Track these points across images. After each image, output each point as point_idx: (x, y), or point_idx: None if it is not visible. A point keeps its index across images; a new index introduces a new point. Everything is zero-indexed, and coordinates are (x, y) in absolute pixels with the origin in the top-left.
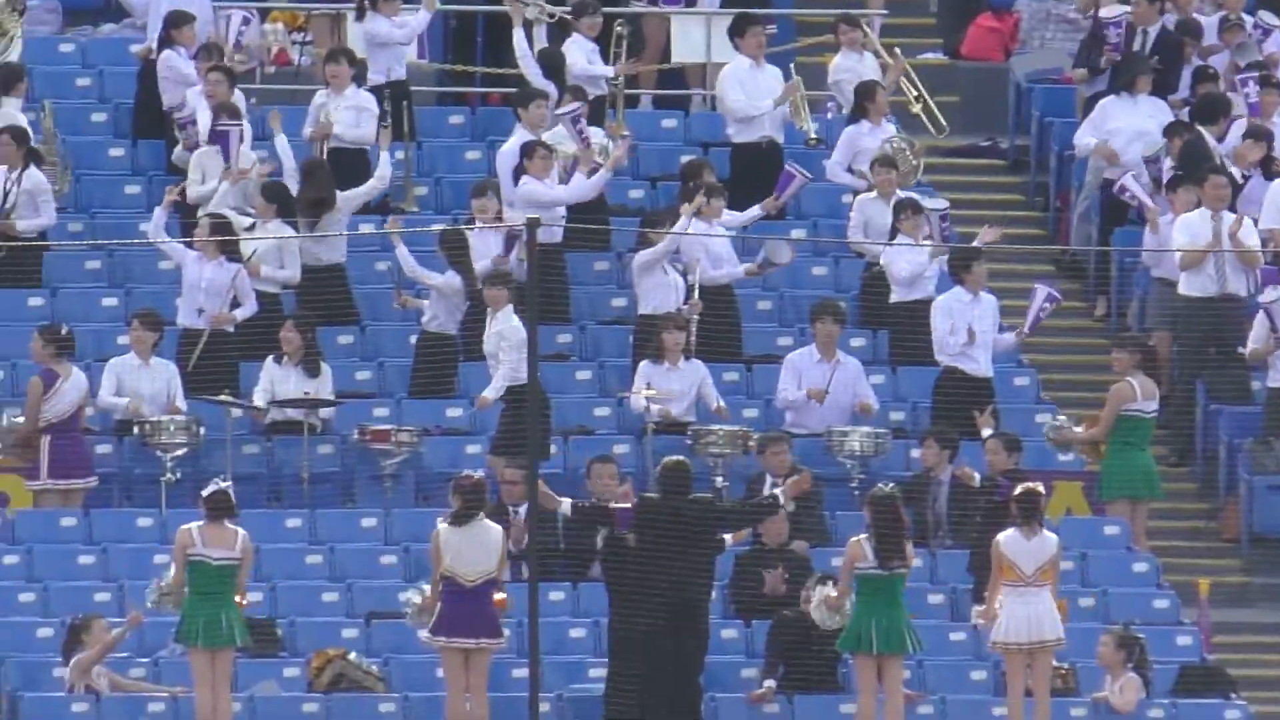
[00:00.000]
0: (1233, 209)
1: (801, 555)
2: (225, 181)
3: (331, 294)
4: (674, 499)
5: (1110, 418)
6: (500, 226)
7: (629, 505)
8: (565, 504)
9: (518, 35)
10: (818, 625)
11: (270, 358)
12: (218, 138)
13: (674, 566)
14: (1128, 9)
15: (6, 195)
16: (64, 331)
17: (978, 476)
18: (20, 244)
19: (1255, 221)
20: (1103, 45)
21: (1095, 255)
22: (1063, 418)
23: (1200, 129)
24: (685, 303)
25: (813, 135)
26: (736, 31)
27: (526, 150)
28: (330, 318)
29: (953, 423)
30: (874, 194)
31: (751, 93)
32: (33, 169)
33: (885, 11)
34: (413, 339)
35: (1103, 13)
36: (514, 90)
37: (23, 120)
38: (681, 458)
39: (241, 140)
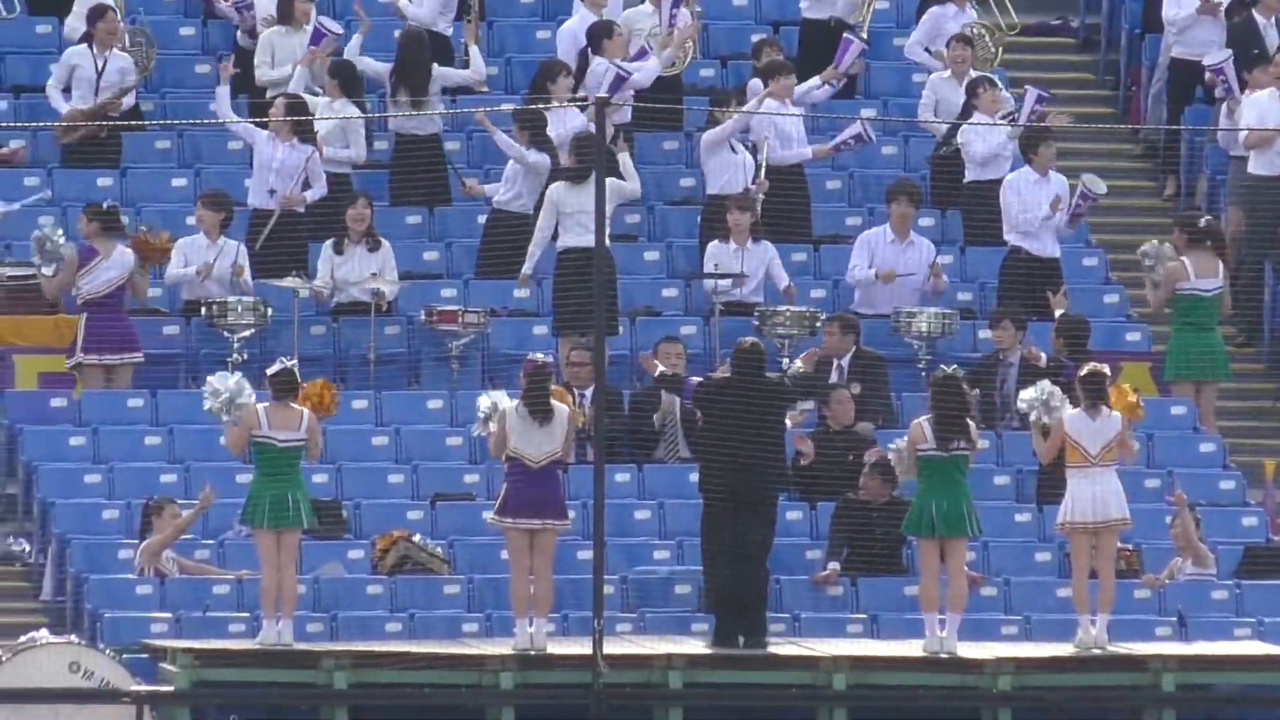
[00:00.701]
0: None
1: (867, 436)
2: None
3: (429, 165)
4: (747, 380)
5: (1165, 295)
6: (570, 104)
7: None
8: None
9: None
10: (883, 505)
11: (329, 244)
12: (316, 34)
13: (746, 448)
14: None
15: (101, 75)
16: (107, 207)
17: (1044, 356)
18: (93, 124)
19: None
20: None
21: (1164, 134)
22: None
23: (1253, 10)
24: (753, 182)
25: (864, 34)
26: None
27: (602, 30)
28: (427, 191)
29: (1020, 303)
30: (948, 73)
31: None
32: (117, 51)
33: None
34: (481, 218)
35: None
36: None
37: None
38: (755, 340)
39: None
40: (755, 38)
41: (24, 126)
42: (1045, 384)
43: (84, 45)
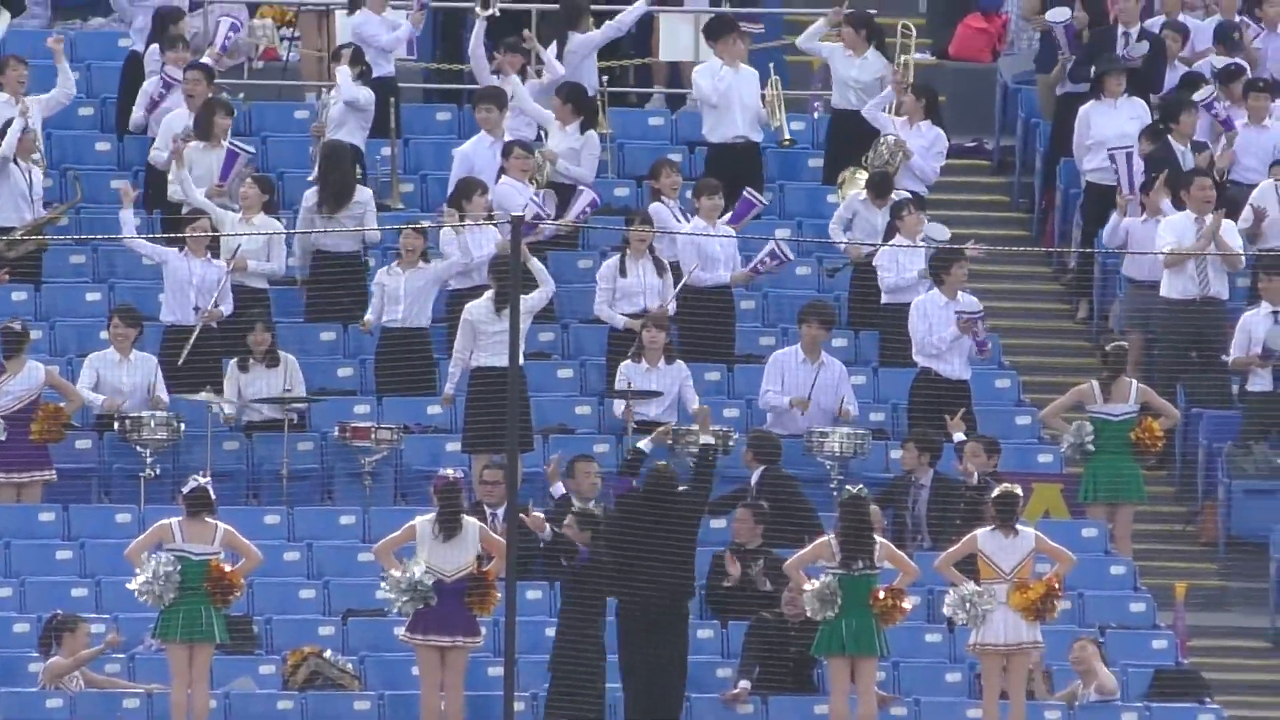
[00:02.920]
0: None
1: (777, 556)
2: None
3: (349, 281)
4: (658, 500)
5: (1058, 405)
6: (484, 224)
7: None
8: (548, 530)
9: (476, 30)
10: (800, 625)
11: (234, 363)
12: (229, 155)
13: (657, 565)
14: (1069, 13)
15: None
16: (18, 326)
17: (976, 475)
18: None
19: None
20: (1055, 49)
21: (1077, 257)
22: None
23: (1169, 137)
24: (666, 303)
25: (787, 136)
26: (712, 35)
27: (505, 151)
28: (345, 309)
29: (928, 424)
30: (864, 195)
31: (724, 95)
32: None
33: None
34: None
35: (1048, 15)
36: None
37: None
38: (667, 464)
39: (247, 165)
40: (669, 157)
41: None
42: (968, 587)
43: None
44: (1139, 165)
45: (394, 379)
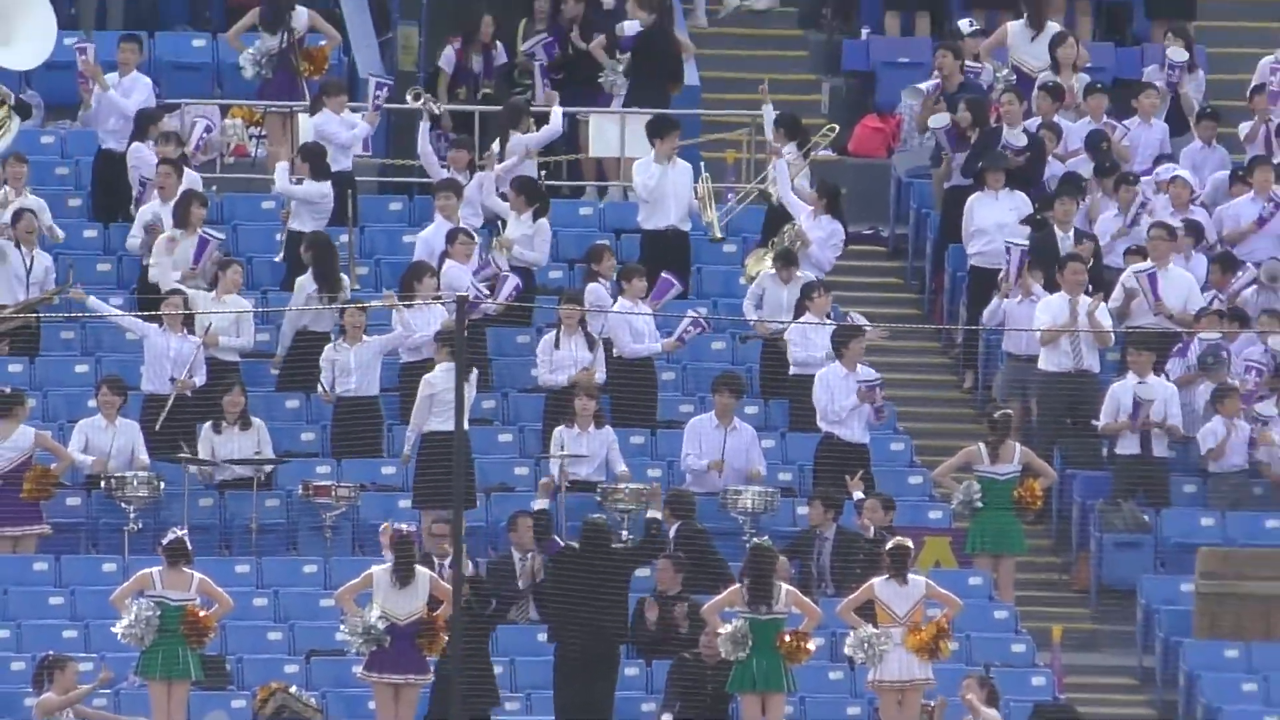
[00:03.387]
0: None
1: (696, 601)
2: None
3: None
4: (594, 552)
5: (948, 466)
6: (431, 301)
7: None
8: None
9: (421, 130)
10: (716, 664)
11: (208, 425)
12: (201, 241)
13: (594, 612)
14: (948, 118)
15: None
16: (8, 390)
17: (874, 529)
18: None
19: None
20: (940, 150)
21: (963, 333)
22: None
23: (1052, 224)
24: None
25: (717, 233)
26: (655, 133)
27: (449, 236)
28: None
29: (831, 483)
30: (773, 272)
31: (660, 186)
32: (40, 251)
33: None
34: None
35: (930, 122)
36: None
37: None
38: (602, 516)
39: (215, 251)
40: (597, 243)
41: None
42: (867, 630)
43: (12, 242)
44: (1022, 258)
45: (349, 442)
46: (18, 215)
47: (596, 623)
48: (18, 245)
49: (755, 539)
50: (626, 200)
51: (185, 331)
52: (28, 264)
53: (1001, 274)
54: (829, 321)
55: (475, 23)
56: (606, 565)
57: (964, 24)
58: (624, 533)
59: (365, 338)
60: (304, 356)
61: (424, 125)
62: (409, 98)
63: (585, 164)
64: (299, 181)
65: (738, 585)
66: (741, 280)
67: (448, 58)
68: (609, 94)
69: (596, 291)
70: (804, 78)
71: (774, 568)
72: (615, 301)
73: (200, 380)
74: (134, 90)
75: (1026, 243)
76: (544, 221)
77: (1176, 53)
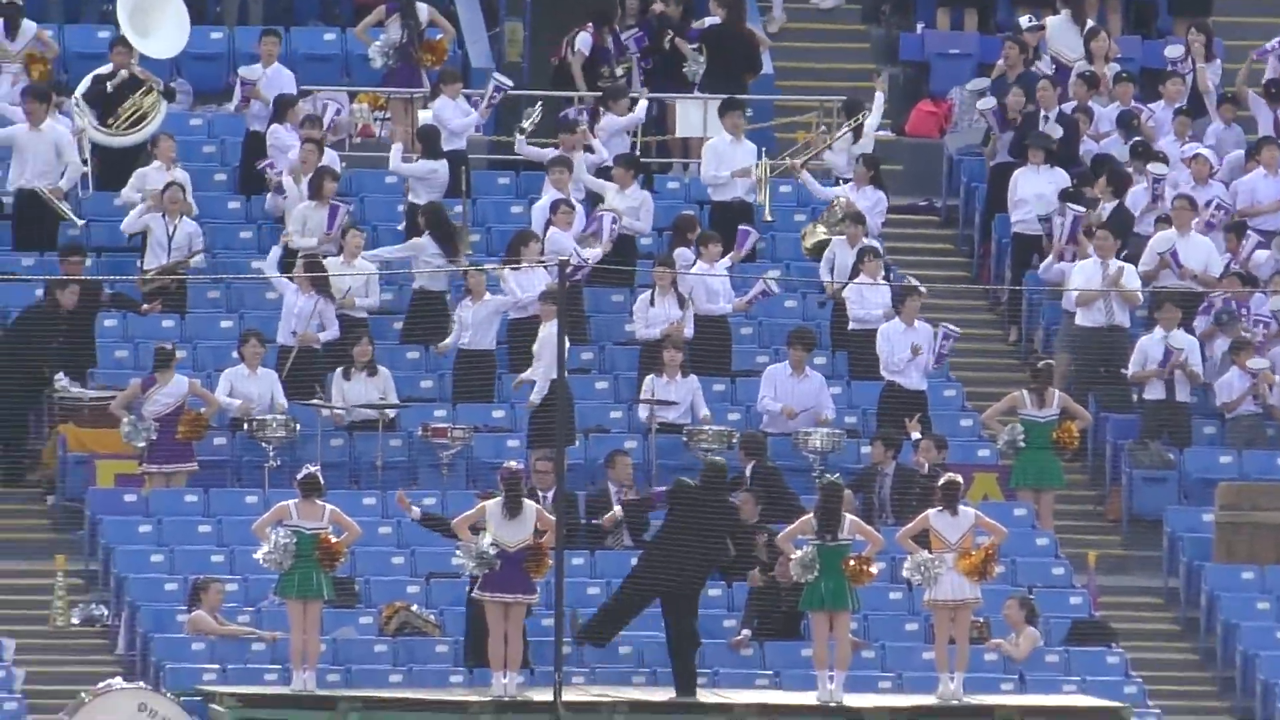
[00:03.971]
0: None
1: (773, 532)
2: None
3: (437, 314)
4: (711, 493)
5: (995, 410)
6: (537, 264)
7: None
8: (415, 511)
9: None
10: (790, 586)
11: (338, 372)
12: (332, 209)
13: (697, 544)
14: (994, 101)
15: (171, 239)
16: (168, 347)
17: (928, 466)
18: (167, 278)
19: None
20: (989, 131)
21: (1008, 292)
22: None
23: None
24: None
25: (768, 215)
26: (720, 113)
27: (553, 207)
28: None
29: (892, 426)
30: (844, 239)
31: (725, 163)
32: (186, 219)
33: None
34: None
35: (979, 105)
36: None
37: (184, 177)
38: (721, 459)
39: (346, 215)
40: (682, 213)
41: (116, 279)
42: (922, 555)
43: (158, 213)
44: (1075, 223)
45: (466, 389)
46: (166, 186)
47: (704, 557)
48: (163, 215)
49: (825, 475)
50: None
51: (313, 291)
52: (170, 231)
53: (1058, 236)
54: (881, 282)
55: (611, 4)
56: (722, 503)
57: (1024, 20)
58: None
59: (486, 297)
60: (423, 313)
61: (519, 139)
62: (525, 124)
63: (672, 143)
64: (413, 160)
65: (808, 516)
66: (804, 251)
67: (584, 40)
68: (692, 82)
69: (685, 255)
70: (865, 66)
71: (841, 501)
72: (694, 265)
73: (329, 336)
74: (278, 80)
75: (1083, 209)
76: (646, 193)
77: (1174, 50)
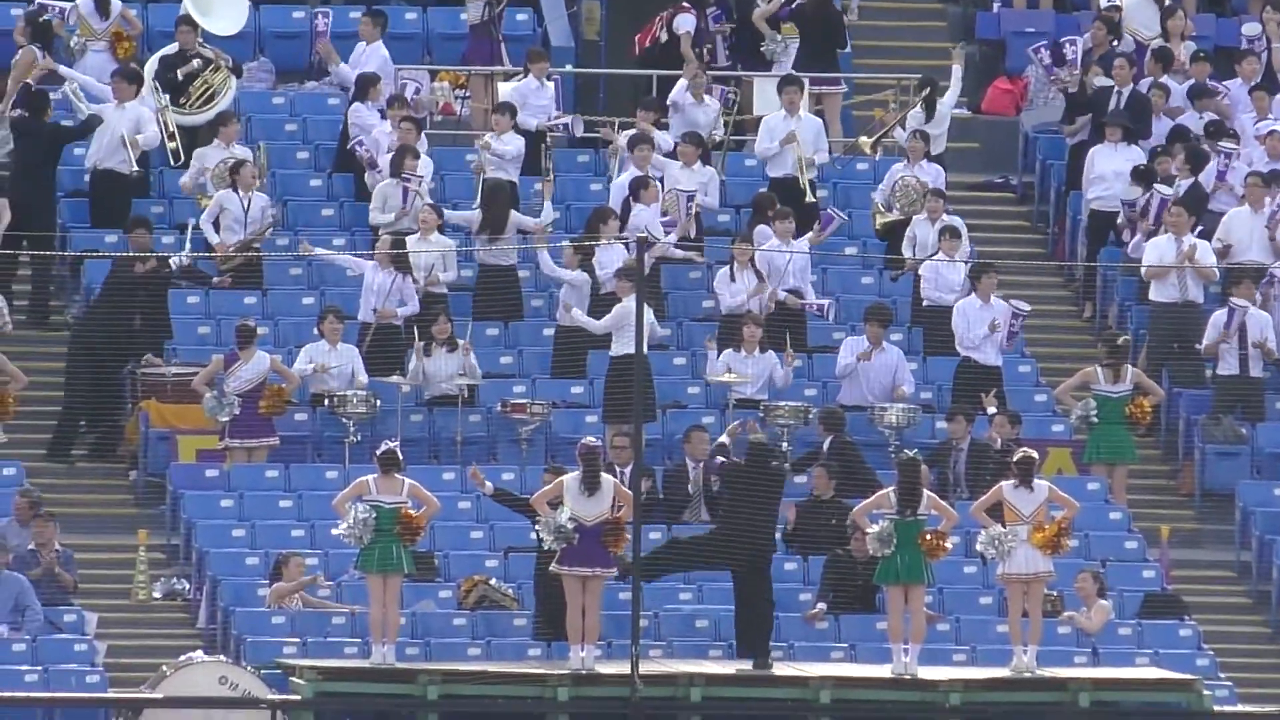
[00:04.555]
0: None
1: (848, 506)
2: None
3: (506, 289)
4: (757, 468)
5: (1068, 385)
6: (617, 241)
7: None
8: (488, 486)
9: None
10: (865, 560)
11: (419, 347)
12: (403, 183)
13: (756, 518)
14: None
15: (247, 213)
16: (250, 324)
17: (1003, 441)
18: (247, 254)
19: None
20: (1075, 110)
21: (1084, 269)
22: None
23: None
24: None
25: (810, 196)
26: (778, 89)
27: (637, 184)
28: (505, 309)
29: (969, 402)
30: (924, 215)
31: (777, 138)
32: (257, 193)
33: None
34: (547, 331)
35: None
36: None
37: (246, 153)
38: (763, 436)
39: (418, 191)
40: (760, 190)
41: (197, 256)
42: (996, 529)
43: (230, 189)
44: (1163, 203)
45: (561, 366)
46: (239, 165)
47: (756, 530)
48: (236, 190)
49: (905, 451)
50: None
51: (391, 268)
52: (245, 206)
53: (1139, 214)
54: (959, 260)
55: None
56: (767, 480)
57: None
58: (783, 444)
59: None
60: (491, 288)
61: (544, 255)
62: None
63: (749, 121)
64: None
65: (885, 490)
66: (875, 232)
67: (687, 21)
68: (770, 60)
69: (764, 233)
70: (942, 45)
71: (920, 477)
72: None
73: (408, 311)
74: (372, 58)
75: (1171, 191)
76: (712, 170)
77: (1251, 28)
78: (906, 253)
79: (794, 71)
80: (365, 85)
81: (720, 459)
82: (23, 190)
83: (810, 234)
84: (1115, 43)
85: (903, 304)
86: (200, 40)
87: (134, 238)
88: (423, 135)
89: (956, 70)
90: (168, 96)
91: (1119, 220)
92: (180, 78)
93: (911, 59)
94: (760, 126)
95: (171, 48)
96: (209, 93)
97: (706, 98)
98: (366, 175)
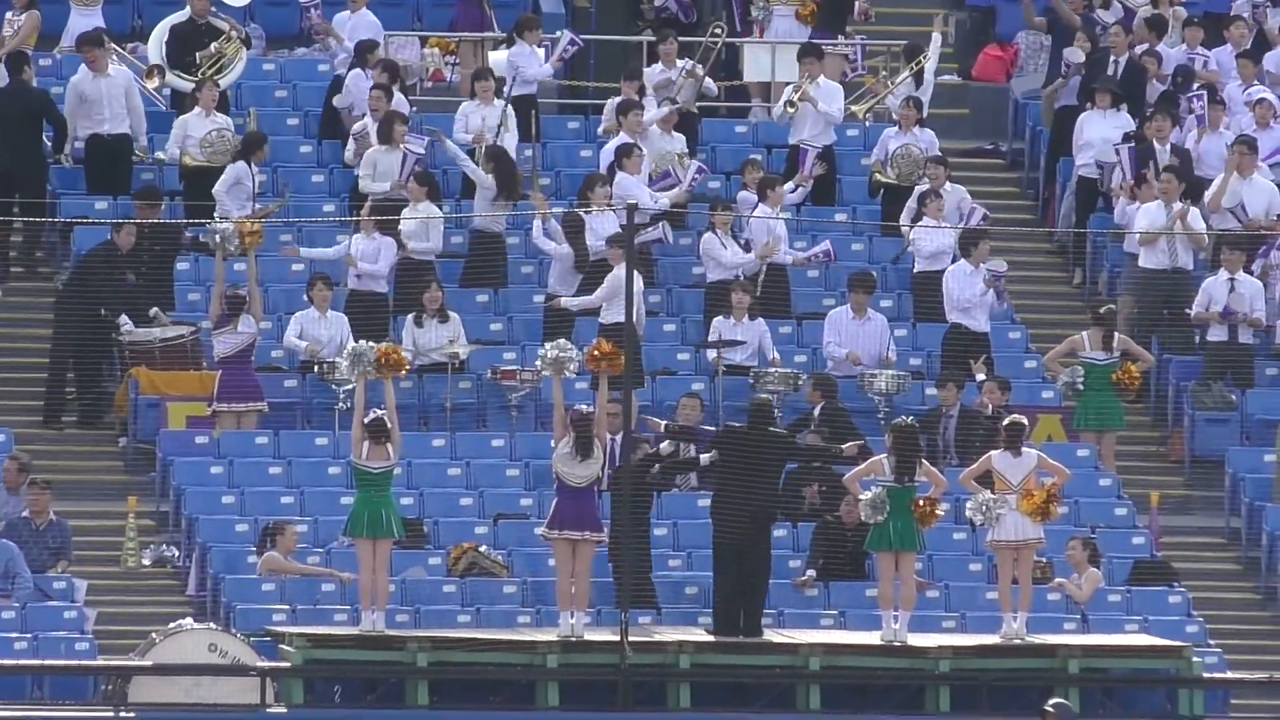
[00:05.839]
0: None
1: (838, 474)
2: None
3: (495, 256)
4: (758, 430)
5: (1057, 352)
6: (605, 208)
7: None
8: (662, 425)
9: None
10: (855, 526)
11: (410, 318)
12: (404, 156)
13: (755, 484)
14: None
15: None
16: (241, 293)
17: (992, 407)
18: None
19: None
20: (1059, 70)
21: (1073, 235)
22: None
23: (1151, 139)
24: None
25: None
26: (798, 58)
27: (623, 150)
28: (490, 276)
29: (958, 368)
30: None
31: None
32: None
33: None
34: (537, 298)
35: (1065, 53)
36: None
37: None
38: (767, 396)
39: (416, 164)
40: (750, 157)
41: (201, 223)
42: (986, 495)
43: (243, 162)
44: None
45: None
46: (256, 140)
47: (757, 494)
48: (249, 163)
49: (902, 417)
50: (767, 119)
51: (376, 233)
52: (255, 175)
53: (1121, 177)
54: (944, 225)
55: None
56: (770, 441)
57: None
58: (775, 412)
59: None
60: (482, 255)
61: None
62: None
63: (749, 86)
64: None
65: (879, 458)
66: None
67: None
68: (760, 25)
69: (747, 199)
70: (931, 11)
71: (917, 444)
72: (756, 208)
73: (381, 268)
74: (362, 26)
75: (1133, 143)
76: (682, 137)
77: None
78: (904, 223)
79: (812, 40)
80: (363, 52)
81: (645, 445)
82: (8, 155)
83: (795, 179)
84: (1098, 10)
85: (893, 271)
86: (212, 8)
87: (143, 209)
88: (398, 99)
89: (936, 38)
90: (169, 72)
91: (1101, 185)
92: (198, 60)
93: (902, 25)
94: (781, 96)
95: (181, 15)
96: (222, 62)
97: (678, 63)
98: (350, 143)
